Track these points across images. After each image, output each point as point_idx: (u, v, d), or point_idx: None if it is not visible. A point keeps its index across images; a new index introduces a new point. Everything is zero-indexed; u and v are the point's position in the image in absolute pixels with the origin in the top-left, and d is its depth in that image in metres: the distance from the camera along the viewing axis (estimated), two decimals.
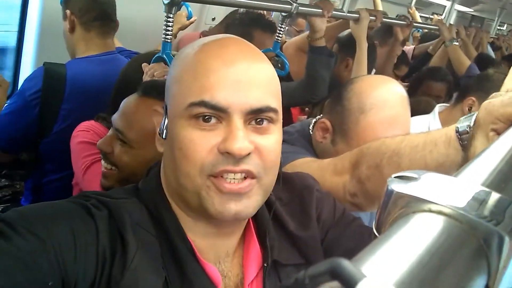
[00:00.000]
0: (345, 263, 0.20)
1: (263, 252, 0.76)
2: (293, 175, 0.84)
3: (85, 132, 1.40)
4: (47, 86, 1.59)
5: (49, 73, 1.60)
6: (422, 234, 0.26)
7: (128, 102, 1.14)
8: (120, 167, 1.11)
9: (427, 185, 0.31)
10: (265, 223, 0.77)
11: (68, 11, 1.68)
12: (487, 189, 0.33)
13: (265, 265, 0.75)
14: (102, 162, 1.15)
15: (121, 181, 1.09)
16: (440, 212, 0.28)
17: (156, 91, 1.11)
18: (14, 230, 0.57)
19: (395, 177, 0.32)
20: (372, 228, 0.34)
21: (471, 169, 0.38)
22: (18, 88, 1.69)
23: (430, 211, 0.28)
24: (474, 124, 0.70)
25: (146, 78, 1.40)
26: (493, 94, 0.70)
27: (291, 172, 0.89)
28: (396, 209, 0.30)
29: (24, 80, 1.65)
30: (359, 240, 0.81)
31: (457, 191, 0.31)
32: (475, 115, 0.71)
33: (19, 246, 0.56)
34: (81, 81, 1.63)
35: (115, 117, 1.13)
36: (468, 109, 2.01)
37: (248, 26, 2.11)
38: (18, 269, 0.55)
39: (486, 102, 0.68)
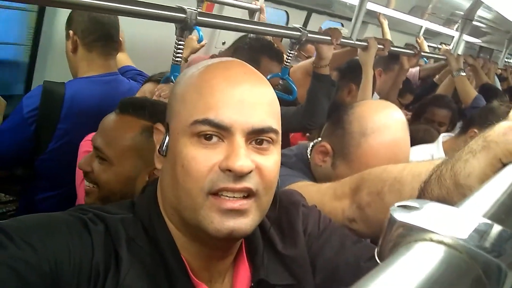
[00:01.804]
0: None
1: (252, 272, 0.77)
2: (280, 193, 0.84)
3: (90, 142, 1.42)
4: (44, 104, 1.60)
5: (47, 92, 1.61)
6: (422, 263, 0.26)
7: (107, 119, 1.16)
8: (100, 185, 1.12)
9: (428, 215, 0.31)
10: (256, 244, 0.78)
11: (71, 32, 1.70)
12: (488, 221, 0.33)
13: (252, 284, 0.75)
14: (85, 180, 1.16)
15: (102, 199, 1.11)
16: (441, 242, 0.28)
17: (132, 108, 1.13)
18: (9, 239, 0.58)
19: (398, 206, 0.33)
20: (372, 245, 0.34)
21: (473, 199, 0.39)
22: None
23: (431, 240, 0.29)
24: (479, 140, 0.64)
25: (154, 98, 1.43)
26: None
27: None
28: (398, 238, 0.31)
29: (23, 97, 1.67)
30: (340, 249, 0.81)
31: (458, 222, 0.31)
32: (486, 133, 0.65)
33: (14, 255, 0.57)
34: (79, 101, 1.64)
35: (94, 135, 1.15)
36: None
37: (256, 52, 2.14)
38: (11, 279, 0.55)
39: (506, 126, 0.61)
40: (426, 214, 0.32)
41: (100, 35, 1.71)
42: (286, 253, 0.80)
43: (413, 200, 0.33)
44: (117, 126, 1.13)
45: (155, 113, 1.11)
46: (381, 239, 0.33)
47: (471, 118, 2.21)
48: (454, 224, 0.31)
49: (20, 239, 0.58)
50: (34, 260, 0.58)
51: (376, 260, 0.33)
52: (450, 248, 0.28)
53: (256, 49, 2.16)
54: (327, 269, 0.80)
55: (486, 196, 0.40)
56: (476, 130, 2.03)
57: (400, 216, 0.31)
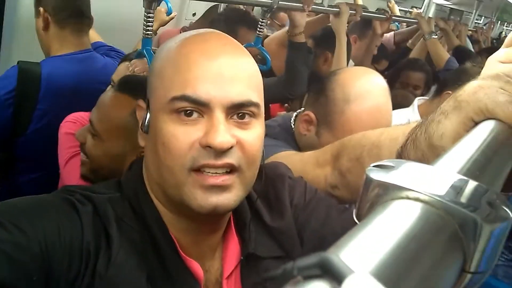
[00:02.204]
0: (334, 258, 0.21)
1: (241, 246, 0.77)
2: (265, 166, 0.84)
3: (71, 124, 1.41)
4: (21, 85, 1.56)
5: (23, 72, 1.57)
6: (399, 221, 0.26)
7: (103, 96, 1.17)
8: (90, 158, 1.14)
9: (404, 174, 0.31)
10: (243, 217, 0.78)
11: (41, 9, 1.64)
12: (463, 177, 0.34)
13: (242, 258, 0.76)
14: (80, 152, 1.20)
15: (92, 171, 1.14)
16: (417, 199, 0.28)
17: (129, 87, 1.13)
18: None
19: (374, 166, 0.33)
20: (352, 212, 0.34)
21: (447, 157, 0.39)
22: None
23: (408, 198, 0.29)
24: (450, 101, 0.63)
25: (125, 72, 1.41)
26: (484, 75, 0.62)
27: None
28: (374, 197, 0.31)
29: None
30: (326, 220, 0.82)
31: (434, 179, 0.32)
32: (457, 93, 0.63)
33: (3, 239, 0.56)
34: (56, 80, 1.61)
35: (92, 110, 1.16)
36: None
37: (233, 23, 2.11)
38: (2, 262, 0.54)
39: (476, 85, 0.60)
40: (402, 173, 0.32)
41: (73, 11, 1.66)
42: (274, 225, 0.80)
43: (388, 160, 0.33)
44: (110, 103, 1.13)
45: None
46: (359, 200, 0.33)
47: (444, 80, 2.22)
48: (430, 181, 0.31)
49: (8, 222, 0.57)
50: (24, 242, 0.57)
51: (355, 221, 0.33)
52: (426, 204, 0.28)
53: (233, 20, 2.13)
54: (314, 240, 0.80)
55: (460, 154, 0.40)
56: (450, 92, 2.04)
57: (376, 175, 0.31)
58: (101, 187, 0.74)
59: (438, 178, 0.32)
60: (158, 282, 0.67)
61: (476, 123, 0.59)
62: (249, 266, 0.76)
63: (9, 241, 0.56)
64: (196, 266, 0.71)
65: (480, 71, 0.67)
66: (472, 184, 0.33)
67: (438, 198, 0.29)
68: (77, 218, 0.64)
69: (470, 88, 0.62)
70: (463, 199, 0.31)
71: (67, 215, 0.64)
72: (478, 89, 0.60)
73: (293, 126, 1.32)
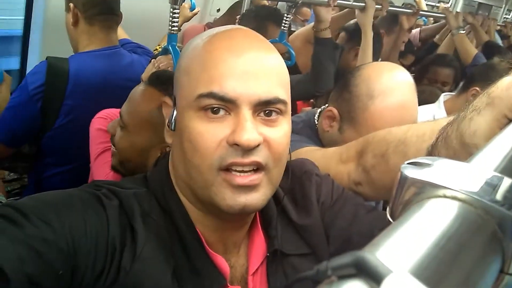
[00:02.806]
0: (370, 257, 0.20)
1: (267, 243, 0.77)
2: (292, 163, 0.83)
3: (102, 119, 1.43)
4: (49, 81, 1.58)
5: (52, 68, 1.59)
6: (437, 220, 0.26)
7: (135, 89, 1.19)
8: (118, 150, 1.17)
9: (440, 171, 0.31)
10: (270, 215, 0.77)
11: (71, 4, 1.66)
12: (499, 175, 0.33)
13: (268, 254, 0.75)
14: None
15: (120, 163, 1.17)
16: (454, 198, 0.28)
17: (159, 81, 1.15)
18: (26, 218, 0.57)
19: (408, 163, 0.32)
20: (385, 214, 0.34)
21: (482, 155, 0.38)
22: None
23: (445, 196, 0.28)
24: (483, 98, 0.62)
25: (152, 69, 1.42)
26: None
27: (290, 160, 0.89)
28: (410, 195, 0.30)
29: (27, 74, 1.64)
30: (353, 219, 0.80)
31: (470, 177, 0.31)
32: (489, 90, 0.63)
33: (31, 234, 0.56)
34: (84, 76, 1.63)
35: (124, 104, 1.19)
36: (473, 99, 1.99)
37: (263, 19, 2.10)
38: (29, 257, 0.55)
39: (509, 81, 0.59)
40: (438, 170, 0.31)
41: (102, 8, 1.68)
42: (301, 222, 0.79)
43: (423, 157, 0.33)
44: (140, 97, 1.16)
45: None
46: (393, 198, 0.32)
47: (472, 76, 2.17)
48: (467, 179, 0.30)
49: (36, 217, 0.58)
50: (51, 237, 0.58)
51: (388, 219, 0.33)
52: (464, 203, 0.27)
53: (262, 16, 2.12)
54: (341, 239, 0.79)
55: (496, 151, 0.39)
56: (477, 88, 2.01)
57: (412, 173, 0.31)
58: (127, 182, 0.74)
59: (475, 176, 0.31)
60: (184, 277, 0.67)
61: (510, 120, 0.58)
62: (275, 263, 0.75)
63: (36, 236, 0.57)
64: (222, 262, 0.71)
65: (509, 67, 0.65)
66: (509, 182, 0.32)
67: (476, 197, 0.28)
68: (103, 213, 0.64)
69: (503, 84, 0.60)
70: (501, 197, 0.30)
71: (94, 209, 0.64)
72: (511, 85, 0.59)
73: (316, 122, 1.31)
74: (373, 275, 0.20)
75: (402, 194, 0.31)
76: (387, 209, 0.34)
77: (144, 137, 1.12)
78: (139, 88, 1.18)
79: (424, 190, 0.29)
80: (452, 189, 0.28)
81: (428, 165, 0.32)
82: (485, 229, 0.27)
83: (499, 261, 0.27)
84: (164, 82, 1.13)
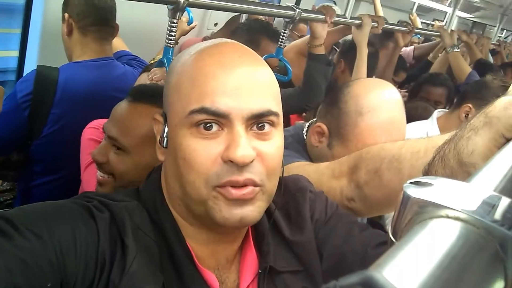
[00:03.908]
0: (379, 276, 0.20)
1: (259, 259, 0.76)
2: (286, 178, 0.83)
3: (94, 129, 1.41)
4: (37, 89, 1.59)
5: (40, 77, 1.60)
6: (440, 240, 0.26)
7: (120, 108, 1.13)
8: (117, 175, 1.10)
9: (442, 191, 0.31)
10: (262, 230, 0.77)
11: (66, 14, 1.68)
12: (498, 194, 0.33)
13: (260, 271, 0.75)
14: (98, 171, 1.14)
15: (119, 189, 1.08)
16: (457, 218, 0.28)
17: (144, 96, 1.11)
18: (16, 229, 0.57)
19: (410, 182, 0.33)
20: (387, 233, 0.34)
21: (482, 175, 0.39)
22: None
23: (447, 217, 0.28)
24: (480, 117, 0.62)
25: (146, 81, 1.43)
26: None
27: (285, 175, 0.89)
28: (412, 215, 0.30)
29: (17, 82, 1.65)
30: (347, 237, 0.80)
31: (471, 197, 0.31)
32: (487, 109, 0.63)
33: (20, 246, 0.56)
34: (73, 86, 1.63)
35: (107, 125, 1.12)
36: (465, 116, 2.02)
37: (255, 33, 2.12)
38: (18, 269, 0.54)
39: (507, 101, 0.60)
40: (440, 190, 0.31)
41: (96, 19, 1.69)
42: (293, 239, 0.79)
43: (425, 177, 0.33)
44: (131, 115, 1.10)
45: None
46: (395, 217, 0.32)
47: (464, 93, 2.20)
48: (468, 199, 0.30)
49: (25, 228, 0.58)
50: (41, 249, 0.57)
51: (388, 242, 0.33)
52: (466, 224, 0.28)
53: (255, 30, 2.14)
54: (334, 256, 0.79)
55: (495, 171, 0.39)
56: (470, 105, 2.03)
57: (414, 192, 0.31)
58: (119, 194, 0.74)
59: (475, 196, 0.31)
60: None
61: (508, 140, 0.58)
62: (267, 279, 0.75)
63: (26, 247, 0.56)
64: (212, 278, 0.70)
65: (501, 85, 0.66)
66: (507, 202, 0.32)
67: (478, 217, 0.28)
68: (93, 225, 0.64)
69: (501, 104, 0.61)
70: (501, 217, 0.30)
71: (84, 222, 0.63)
72: (509, 104, 0.59)
73: (305, 137, 1.31)
74: None
75: (404, 214, 0.31)
76: (389, 228, 0.34)
77: (148, 153, 1.06)
78: (125, 107, 1.12)
79: (427, 210, 0.29)
80: (455, 209, 0.28)
81: (429, 184, 0.32)
82: (487, 249, 0.27)
83: (502, 282, 0.27)
84: (152, 95, 1.10)
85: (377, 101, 1.16)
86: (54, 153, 1.64)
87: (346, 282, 0.21)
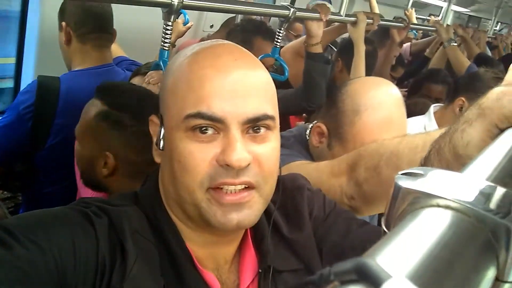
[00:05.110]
0: (371, 262, 0.21)
1: (258, 258, 0.76)
2: (283, 177, 0.83)
3: None
4: (40, 100, 1.58)
5: (42, 87, 1.59)
6: (431, 229, 0.26)
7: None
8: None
9: (433, 181, 0.31)
10: (261, 230, 0.77)
11: (63, 23, 1.67)
12: (492, 184, 0.33)
13: (260, 271, 0.75)
14: None
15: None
16: (447, 207, 0.28)
17: (98, 90, 1.20)
18: (14, 238, 0.57)
19: (402, 173, 0.33)
20: (377, 228, 0.34)
21: (475, 165, 0.39)
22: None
23: (438, 206, 0.28)
24: (474, 109, 0.62)
25: (143, 85, 1.43)
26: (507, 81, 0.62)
27: (282, 174, 0.90)
28: (404, 205, 0.31)
29: (19, 93, 1.65)
30: (346, 233, 0.80)
31: (463, 186, 0.31)
32: (480, 101, 0.62)
33: (19, 255, 0.56)
34: (75, 95, 1.61)
35: None
36: (459, 109, 2.03)
37: (249, 33, 2.12)
38: (17, 278, 0.54)
39: (499, 91, 0.60)
40: (431, 180, 0.31)
41: (94, 26, 1.68)
42: (292, 237, 0.79)
43: (416, 168, 0.33)
44: (85, 107, 1.21)
45: (116, 98, 1.17)
46: (387, 208, 0.33)
47: (457, 86, 2.20)
48: (459, 189, 0.31)
49: (24, 237, 0.58)
50: (40, 258, 0.57)
51: (384, 230, 0.33)
52: (457, 212, 0.28)
53: (249, 30, 2.14)
54: (333, 253, 0.79)
55: (488, 161, 0.40)
56: (463, 98, 2.04)
57: (405, 183, 0.31)
58: (117, 199, 0.74)
59: (467, 186, 0.32)
60: None
61: (501, 130, 0.59)
62: (267, 279, 0.75)
63: (25, 257, 0.56)
64: (212, 279, 0.70)
65: (494, 77, 0.66)
66: (501, 191, 0.32)
67: (469, 206, 0.28)
68: (92, 231, 0.64)
69: (493, 95, 0.61)
70: (494, 206, 0.30)
71: (83, 228, 0.63)
72: (501, 95, 0.60)
73: (308, 138, 1.31)
74: (373, 280, 0.20)
75: (396, 205, 0.31)
76: (382, 219, 0.34)
77: (86, 146, 1.16)
78: (90, 101, 1.22)
79: (418, 200, 0.30)
80: (446, 198, 0.29)
81: (421, 175, 0.32)
82: (479, 237, 0.27)
83: (494, 269, 0.28)
84: (102, 91, 1.19)
85: (374, 99, 1.15)
86: (58, 162, 1.64)
87: (340, 269, 0.21)
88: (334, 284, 0.21)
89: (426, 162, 0.71)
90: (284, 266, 0.77)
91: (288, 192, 0.83)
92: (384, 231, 0.33)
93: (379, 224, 0.94)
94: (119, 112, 1.14)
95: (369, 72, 2.33)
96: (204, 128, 0.65)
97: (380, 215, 1.70)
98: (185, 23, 2.24)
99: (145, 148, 1.14)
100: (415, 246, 0.24)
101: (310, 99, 2.02)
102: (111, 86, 1.22)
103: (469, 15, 6.28)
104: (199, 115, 0.64)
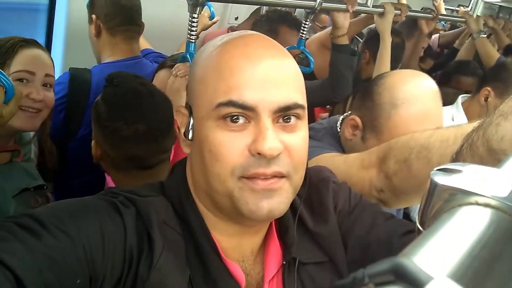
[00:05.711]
0: (409, 263, 0.20)
1: (283, 251, 0.76)
2: (309, 170, 0.81)
3: None
4: (72, 92, 1.62)
5: (74, 79, 1.63)
6: (470, 228, 0.25)
7: None
8: None
9: (471, 177, 0.30)
10: (286, 222, 0.77)
11: (93, 16, 1.70)
12: None
13: (284, 263, 0.74)
14: None
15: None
16: (487, 205, 0.27)
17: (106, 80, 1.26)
18: (44, 228, 0.58)
19: (437, 169, 0.32)
20: (415, 222, 0.33)
21: None
22: None
23: (477, 203, 0.27)
24: (509, 103, 0.61)
25: (171, 77, 1.43)
26: None
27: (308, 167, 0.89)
28: (440, 203, 0.30)
29: None
30: (371, 227, 0.79)
31: (502, 183, 0.30)
32: None
33: (49, 244, 0.57)
34: None
35: None
36: (484, 100, 1.99)
37: (274, 22, 2.11)
38: (48, 267, 0.55)
39: None
40: (468, 177, 0.30)
41: (123, 19, 1.70)
42: (317, 230, 0.79)
43: (453, 163, 0.32)
44: None
45: (106, 89, 1.24)
46: (422, 205, 0.32)
47: (484, 77, 2.15)
48: (499, 185, 0.29)
49: (53, 226, 0.58)
50: (69, 246, 0.58)
51: (415, 231, 0.32)
52: (497, 210, 0.27)
53: (274, 20, 2.13)
54: (358, 247, 0.78)
55: None
56: (489, 88, 2.00)
57: (442, 179, 0.30)
58: (144, 189, 0.74)
59: (507, 182, 0.30)
60: (200, 285, 0.67)
61: None
62: (291, 271, 0.75)
63: (54, 245, 0.57)
64: (237, 270, 0.70)
65: None
66: None
67: (510, 204, 0.27)
68: (120, 221, 0.64)
69: None
70: None
71: (111, 218, 0.64)
72: None
73: (339, 130, 1.30)
74: (413, 282, 0.19)
75: (432, 202, 0.30)
76: (416, 217, 0.33)
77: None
78: None
79: (455, 197, 0.28)
80: (485, 196, 0.27)
81: (458, 171, 0.31)
82: None
83: None
84: (107, 79, 1.24)
85: (412, 92, 1.14)
86: (89, 154, 1.67)
87: (375, 270, 0.20)
88: (369, 287, 0.20)
89: (458, 156, 0.69)
90: (309, 259, 0.76)
91: (313, 185, 0.82)
92: (419, 229, 0.32)
93: (405, 217, 0.92)
94: (102, 105, 1.19)
95: (397, 63, 2.28)
96: (235, 117, 0.64)
97: (406, 209, 1.68)
98: (211, 17, 2.24)
99: (121, 144, 1.19)
100: (454, 246, 0.23)
101: (336, 90, 2.00)
102: (115, 76, 1.25)
103: (500, 6, 6.10)
104: (230, 103, 0.64)
